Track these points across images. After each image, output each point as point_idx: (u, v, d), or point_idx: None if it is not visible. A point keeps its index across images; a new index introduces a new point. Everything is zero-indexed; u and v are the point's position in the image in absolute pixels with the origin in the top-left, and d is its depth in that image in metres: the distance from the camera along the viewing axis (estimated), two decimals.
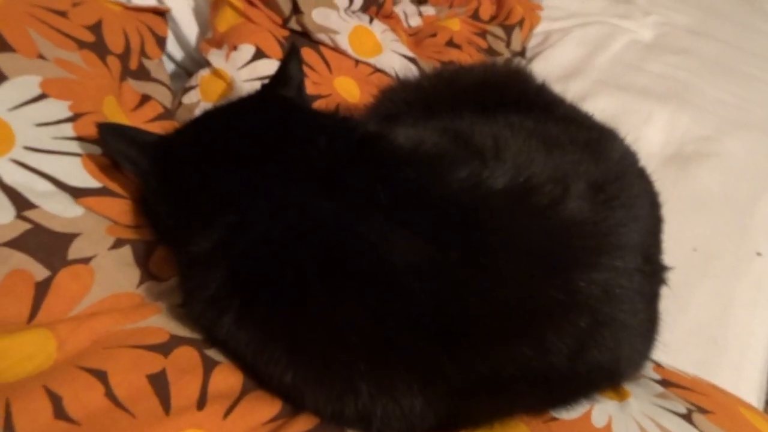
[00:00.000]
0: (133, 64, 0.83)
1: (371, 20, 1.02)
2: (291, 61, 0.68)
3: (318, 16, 0.92)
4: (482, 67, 0.80)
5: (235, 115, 0.65)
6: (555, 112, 0.72)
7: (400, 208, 0.55)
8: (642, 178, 0.68)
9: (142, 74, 0.84)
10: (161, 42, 0.90)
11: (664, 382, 0.66)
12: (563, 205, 0.56)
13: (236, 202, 0.57)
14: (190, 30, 1.01)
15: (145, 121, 0.79)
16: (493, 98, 0.72)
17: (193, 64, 1.01)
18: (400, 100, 0.76)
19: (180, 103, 0.85)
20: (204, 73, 0.86)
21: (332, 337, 0.52)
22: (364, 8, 1.03)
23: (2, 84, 0.65)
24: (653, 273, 0.62)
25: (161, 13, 0.92)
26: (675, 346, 0.70)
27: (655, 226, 0.66)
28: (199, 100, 0.84)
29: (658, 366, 0.69)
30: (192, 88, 0.86)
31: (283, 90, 0.67)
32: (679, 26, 1.64)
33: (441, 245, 0.53)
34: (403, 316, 0.51)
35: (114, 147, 0.63)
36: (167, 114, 0.82)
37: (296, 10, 0.91)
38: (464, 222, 0.54)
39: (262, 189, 0.57)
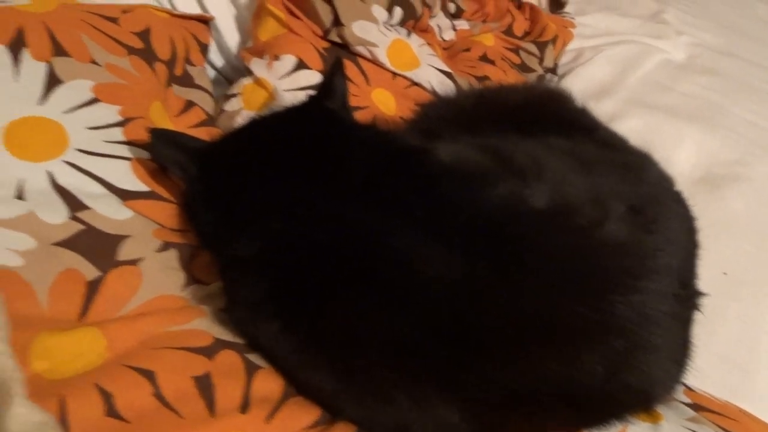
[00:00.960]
0: (178, 71, 0.85)
1: (409, 34, 1.04)
2: (336, 73, 0.69)
3: (358, 29, 0.93)
4: (523, 88, 0.81)
5: (281, 125, 0.67)
6: (594, 135, 0.73)
7: (439, 223, 0.56)
8: (679, 203, 0.69)
9: (186, 81, 0.86)
10: (204, 49, 0.92)
11: (696, 406, 0.66)
12: (602, 227, 0.56)
13: (280, 211, 0.59)
14: (231, 38, 1.03)
15: (188, 126, 0.81)
16: (533, 119, 0.73)
17: (232, 71, 1.03)
18: (440, 116, 0.78)
19: (222, 110, 0.87)
20: (246, 82, 0.88)
21: (371, 347, 0.53)
22: (402, 22, 1.04)
23: (58, 87, 0.67)
24: (688, 298, 0.63)
25: (205, 21, 0.94)
26: (703, 370, 0.70)
27: (691, 251, 0.67)
28: (241, 108, 0.85)
29: (689, 390, 0.69)
30: (234, 95, 0.88)
31: (328, 102, 0.68)
32: (710, 47, 1.64)
33: (479, 262, 0.54)
34: (440, 329, 0.52)
35: (163, 152, 0.64)
36: (210, 120, 0.84)
37: (337, 22, 0.93)
38: (504, 240, 0.55)
39: (306, 199, 0.59)
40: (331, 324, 0.54)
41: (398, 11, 1.02)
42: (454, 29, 1.32)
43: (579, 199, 0.58)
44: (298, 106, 0.69)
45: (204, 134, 0.79)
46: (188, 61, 0.88)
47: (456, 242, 0.54)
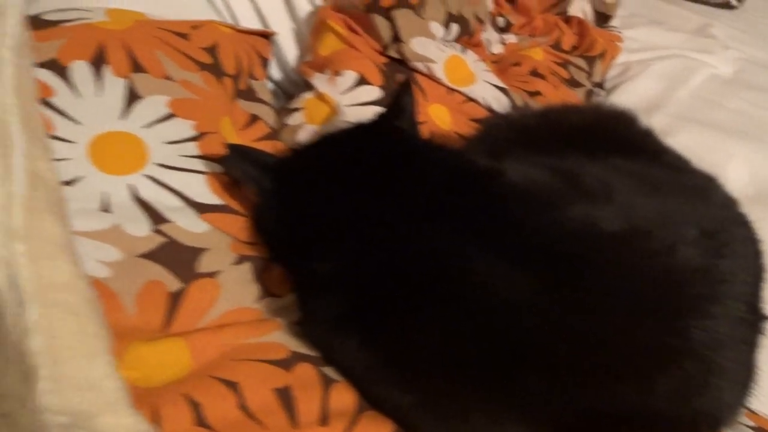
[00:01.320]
0: (243, 85, 0.87)
1: (464, 50, 1.05)
2: (404, 92, 0.71)
3: (417, 46, 0.95)
4: (588, 108, 0.82)
5: (353, 142, 0.68)
6: (661, 158, 0.74)
7: (512, 245, 0.57)
8: (745, 226, 0.69)
9: (250, 95, 0.88)
10: (265, 63, 0.94)
11: (759, 430, 0.66)
12: (676, 251, 0.57)
13: (352, 229, 0.60)
14: (289, 51, 1.05)
15: (253, 139, 0.83)
16: (600, 140, 0.73)
17: (290, 84, 1.05)
18: (504, 135, 0.79)
19: (285, 124, 0.89)
20: (308, 96, 0.90)
21: (445, 364, 0.55)
22: (458, 38, 1.06)
23: (137, 102, 0.69)
24: (756, 322, 0.63)
25: (266, 36, 0.96)
26: (760, 392, 0.70)
27: (758, 274, 0.66)
28: (304, 122, 0.87)
29: (752, 413, 0.69)
30: (295, 110, 0.90)
31: (397, 121, 0.69)
32: (757, 62, 1.63)
33: (552, 283, 0.54)
34: (512, 349, 0.53)
35: (239, 167, 0.66)
36: (273, 134, 0.86)
37: (396, 38, 0.95)
38: (576, 262, 0.56)
39: (377, 217, 0.60)
40: (406, 340, 0.56)
41: (455, 27, 1.03)
42: (503, 43, 1.32)
43: (651, 223, 0.58)
44: (368, 124, 0.70)
45: (268, 147, 0.81)
46: (251, 75, 0.90)
47: (529, 264, 0.55)
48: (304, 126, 0.87)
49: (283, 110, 0.93)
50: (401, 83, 0.71)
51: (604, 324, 0.54)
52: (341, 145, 0.69)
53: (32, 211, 0.45)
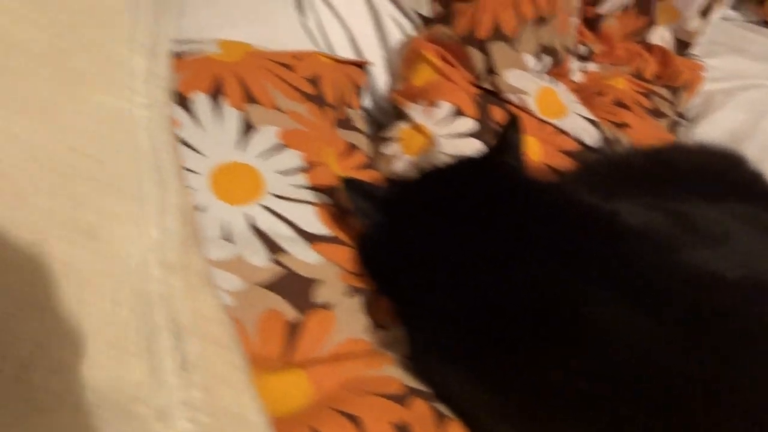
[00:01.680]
0: (341, 114, 0.89)
1: (554, 81, 1.05)
2: (511, 128, 0.71)
3: (511, 78, 0.95)
4: (696, 149, 0.81)
5: (461, 177, 0.69)
6: None
7: (628, 286, 0.56)
8: None
9: (347, 124, 0.90)
10: (360, 93, 0.96)
11: None
12: None
13: (463, 264, 0.61)
14: (379, 79, 1.06)
15: (351, 168, 0.84)
16: (709, 183, 0.72)
17: (378, 112, 1.07)
18: (606, 173, 0.78)
19: (381, 154, 0.90)
20: (404, 127, 0.91)
21: (563, 403, 0.55)
22: (548, 69, 1.06)
23: (252, 133, 0.72)
24: None
25: (361, 65, 0.98)
26: None
27: None
28: (401, 152, 0.88)
29: None
30: (390, 139, 0.91)
31: (504, 156, 0.70)
32: None
33: (671, 328, 0.54)
34: (629, 395, 0.53)
35: (353, 200, 0.68)
36: (370, 163, 0.87)
37: (490, 70, 0.95)
38: (699, 310, 0.55)
39: (487, 254, 0.61)
40: (522, 378, 0.56)
41: (546, 59, 1.04)
42: (584, 71, 1.32)
43: None
44: (476, 158, 0.71)
45: (366, 177, 0.82)
46: (348, 104, 0.92)
47: (647, 308, 0.55)
48: (401, 156, 0.88)
49: (377, 138, 0.94)
50: (509, 118, 0.72)
51: (726, 371, 0.53)
52: (449, 179, 0.70)
53: (183, 246, 0.47)
